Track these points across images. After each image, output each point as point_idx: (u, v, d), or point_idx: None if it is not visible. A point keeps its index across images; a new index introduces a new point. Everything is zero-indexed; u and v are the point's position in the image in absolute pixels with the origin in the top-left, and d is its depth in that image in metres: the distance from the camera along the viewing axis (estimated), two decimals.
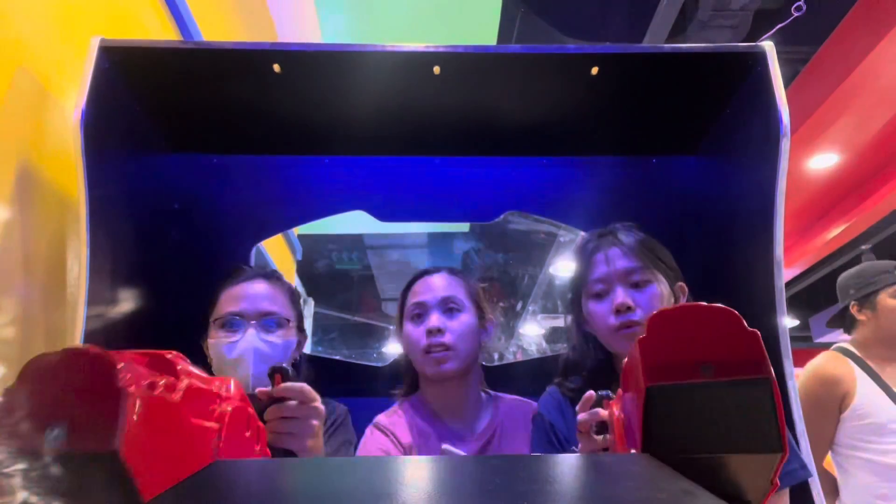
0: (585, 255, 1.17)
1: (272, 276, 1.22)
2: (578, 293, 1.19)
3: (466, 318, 1.23)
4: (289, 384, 0.93)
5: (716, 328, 0.56)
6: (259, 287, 1.17)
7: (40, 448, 0.47)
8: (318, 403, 0.95)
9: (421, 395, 1.32)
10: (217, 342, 1.13)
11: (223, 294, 1.17)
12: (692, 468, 0.53)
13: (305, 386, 0.95)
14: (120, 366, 0.49)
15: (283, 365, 0.95)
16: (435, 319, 1.20)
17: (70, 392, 0.49)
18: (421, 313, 1.23)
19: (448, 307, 1.23)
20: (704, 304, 0.57)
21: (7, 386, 0.50)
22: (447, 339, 1.20)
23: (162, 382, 0.54)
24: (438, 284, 1.25)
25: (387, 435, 1.23)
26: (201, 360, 1.23)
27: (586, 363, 1.17)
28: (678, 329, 0.57)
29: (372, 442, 1.23)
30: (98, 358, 0.49)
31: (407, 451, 1.21)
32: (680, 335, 0.57)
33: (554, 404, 1.18)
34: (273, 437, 0.92)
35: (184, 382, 0.57)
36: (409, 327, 1.25)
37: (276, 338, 1.14)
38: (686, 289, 1.18)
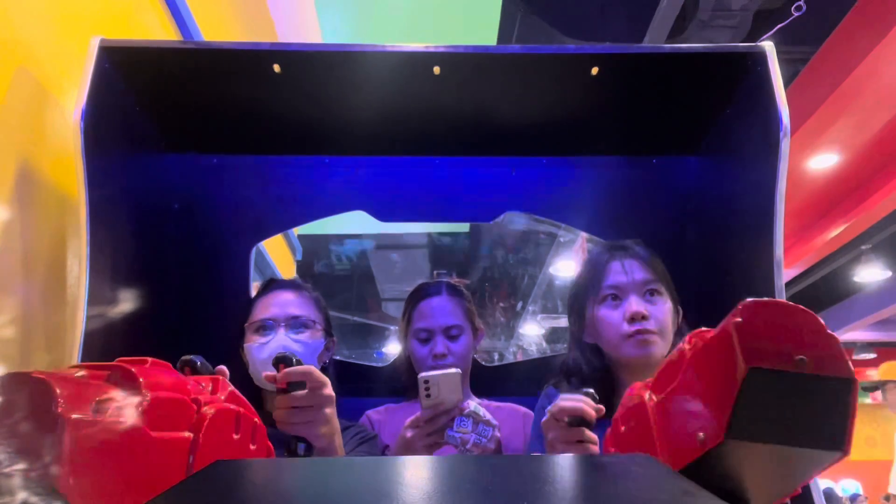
0: (599, 264, 1.18)
1: (299, 285, 1.33)
2: (583, 302, 1.19)
3: (465, 340, 1.39)
4: (292, 368, 0.93)
5: (804, 325, 0.58)
6: (287, 295, 1.27)
7: None
8: (328, 389, 0.95)
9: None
10: (251, 345, 1.23)
11: (257, 304, 1.28)
12: (754, 455, 0.54)
13: (311, 368, 0.94)
14: (58, 391, 0.46)
15: (287, 353, 0.95)
16: (440, 345, 1.36)
17: (13, 419, 0.46)
18: (427, 338, 1.38)
19: (451, 334, 1.38)
20: (789, 302, 0.59)
21: None
22: (450, 360, 1.35)
23: (115, 403, 0.51)
24: (441, 311, 1.39)
25: (372, 427, 1.37)
26: (211, 361, 1.23)
27: (586, 370, 1.17)
28: (774, 318, 0.58)
29: None
30: (36, 382, 0.47)
31: (382, 451, 1.30)
32: (776, 324, 0.58)
33: (553, 400, 1.18)
34: (285, 427, 0.92)
35: (144, 398, 0.53)
36: (415, 345, 1.39)
37: (304, 338, 1.23)
38: (682, 312, 1.20)
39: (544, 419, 0.92)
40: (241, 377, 1.22)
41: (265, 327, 1.23)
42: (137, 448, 0.52)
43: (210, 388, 0.65)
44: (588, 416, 0.88)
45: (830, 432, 0.55)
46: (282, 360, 0.94)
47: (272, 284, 1.32)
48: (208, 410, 0.60)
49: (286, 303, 1.26)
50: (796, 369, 0.56)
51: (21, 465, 0.45)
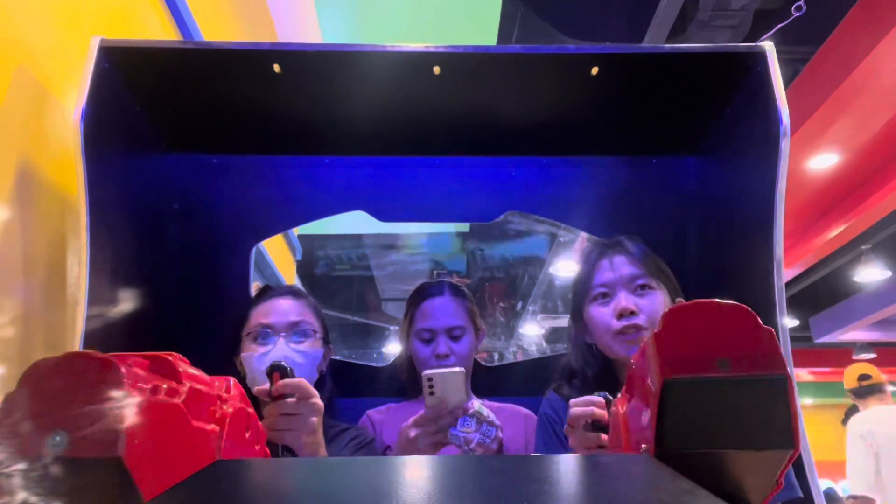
0: (590, 262, 1.19)
1: (298, 292, 1.31)
2: (580, 302, 1.19)
3: (468, 340, 1.40)
4: (286, 381, 0.94)
5: (731, 324, 0.57)
6: (286, 302, 1.25)
7: (42, 453, 0.47)
8: (317, 400, 0.96)
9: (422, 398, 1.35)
10: (250, 354, 1.19)
11: (253, 311, 1.24)
12: (703, 463, 0.53)
13: (303, 381, 0.95)
14: (124, 370, 0.49)
15: (282, 363, 0.96)
16: (443, 346, 1.36)
17: (72, 396, 0.48)
18: (430, 338, 1.38)
19: (453, 335, 1.38)
20: (719, 300, 0.58)
21: (9, 391, 0.50)
22: (452, 361, 1.35)
23: (164, 386, 0.54)
24: (444, 311, 1.39)
25: (373, 427, 1.38)
26: (207, 364, 1.24)
27: (587, 372, 1.17)
28: (694, 324, 0.57)
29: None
30: (101, 362, 0.49)
31: (383, 451, 1.32)
32: (695, 330, 0.57)
33: (556, 407, 1.19)
34: (272, 435, 0.93)
35: (186, 386, 0.56)
36: (417, 345, 1.39)
37: (304, 347, 1.20)
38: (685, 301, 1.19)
39: (566, 428, 0.92)
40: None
41: (264, 335, 1.20)
42: (185, 432, 0.55)
43: (225, 388, 0.66)
44: (601, 419, 0.88)
45: (768, 431, 0.54)
46: (276, 370, 0.95)
47: (270, 291, 1.29)
48: (229, 408, 0.63)
49: (285, 310, 1.23)
50: (717, 373, 0.55)
51: (84, 441, 0.47)
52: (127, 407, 0.48)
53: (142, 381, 0.52)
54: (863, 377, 3.50)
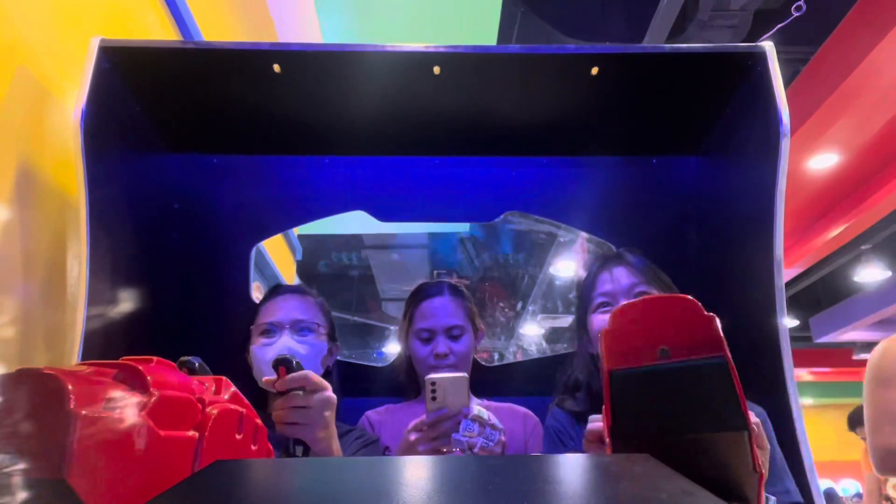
0: (591, 274, 1.20)
1: (304, 290, 1.35)
2: (583, 313, 1.20)
3: (467, 340, 1.39)
4: (292, 374, 0.93)
5: (675, 316, 0.58)
6: (292, 300, 1.29)
7: None
8: (329, 392, 0.95)
9: (420, 399, 1.36)
10: (256, 348, 1.24)
11: (262, 309, 1.29)
12: (663, 453, 0.53)
13: (310, 373, 0.95)
14: (70, 387, 0.47)
15: (288, 356, 0.96)
16: (442, 345, 1.36)
17: (19, 415, 0.47)
18: (429, 338, 1.38)
19: (452, 334, 1.38)
20: (664, 294, 0.60)
21: None
22: (451, 360, 1.35)
23: (123, 400, 0.52)
24: (443, 311, 1.39)
25: (372, 427, 1.38)
26: (207, 363, 1.24)
27: (592, 384, 1.18)
28: (640, 319, 0.60)
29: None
30: (46, 378, 0.47)
31: (382, 451, 1.31)
32: (641, 324, 0.59)
33: (561, 419, 1.19)
34: (282, 428, 0.92)
35: (154, 396, 0.54)
36: (416, 345, 1.39)
37: (308, 340, 1.24)
38: None
39: (583, 443, 0.92)
40: (246, 379, 1.23)
41: (270, 331, 1.25)
42: (147, 446, 0.52)
43: (213, 389, 0.65)
44: None
45: (716, 414, 0.54)
46: (282, 363, 0.94)
47: (278, 290, 1.33)
48: (212, 410, 0.60)
49: (291, 307, 1.27)
50: (656, 361, 0.57)
51: (28, 462, 0.45)
52: (73, 427, 0.45)
53: (95, 397, 0.49)
54: None
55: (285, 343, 1.22)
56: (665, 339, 0.57)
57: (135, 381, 0.55)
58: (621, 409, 0.57)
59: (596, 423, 0.88)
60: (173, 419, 0.56)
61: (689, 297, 0.59)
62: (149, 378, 0.55)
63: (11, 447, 0.46)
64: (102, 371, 0.55)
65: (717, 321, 0.57)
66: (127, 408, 0.52)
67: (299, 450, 0.94)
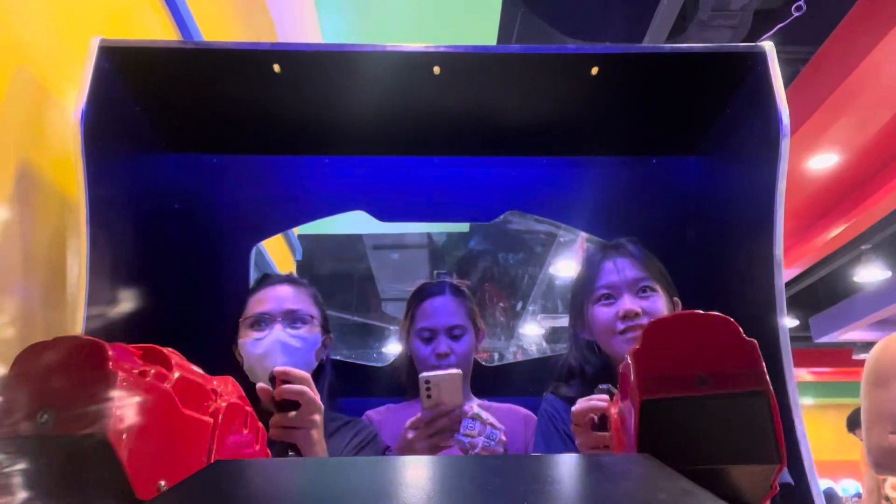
0: (594, 263, 1.20)
1: (295, 280, 1.30)
2: (581, 301, 1.20)
3: (468, 339, 1.40)
4: (287, 386, 0.93)
5: (713, 337, 0.55)
6: (283, 290, 1.24)
7: (30, 432, 0.48)
8: (320, 414, 0.96)
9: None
10: (246, 340, 1.19)
11: (251, 299, 1.24)
12: (690, 478, 0.53)
13: (305, 389, 0.95)
14: (111, 352, 0.50)
15: (287, 369, 0.96)
16: (443, 345, 1.36)
17: (60, 377, 0.49)
18: (430, 337, 1.38)
19: (453, 334, 1.38)
20: (701, 312, 0.56)
21: (2, 375, 0.51)
22: (452, 360, 1.35)
23: (153, 371, 0.55)
24: (444, 311, 1.40)
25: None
26: (207, 363, 1.24)
27: (587, 370, 1.18)
28: (674, 338, 0.56)
29: None
30: (89, 345, 0.50)
31: (382, 451, 1.30)
32: (676, 345, 0.56)
33: (556, 405, 1.19)
34: (278, 433, 0.93)
35: (175, 374, 0.57)
36: (417, 344, 1.39)
37: (301, 332, 1.19)
38: (679, 303, 1.20)
39: (573, 426, 0.92)
40: (237, 374, 1.23)
41: (261, 322, 1.20)
42: (171, 418, 0.55)
43: (221, 387, 0.67)
44: (606, 415, 0.87)
45: (753, 447, 0.53)
46: (280, 375, 0.95)
47: (267, 279, 1.29)
48: (223, 403, 0.63)
49: (282, 297, 1.22)
50: (697, 392, 0.54)
51: (71, 418, 0.48)
52: (112, 387, 0.48)
53: (131, 365, 0.52)
54: None
55: (277, 336, 1.16)
56: (702, 364, 0.54)
57: (157, 361, 0.58)
58: (653, 437, 0.55)
59: (585, 402, 0.88)
60: (192, 401, 0.59)
61: (729, 318, 0.56)
62: (172, 361, 0.58)
63: (54, 404, 0.49)
64: (128, 348, 0.58)
65: (758, 348, 0.54)
66: (156, 378, 0.54)
67: (292, 452, 0.95)
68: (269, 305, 1.21)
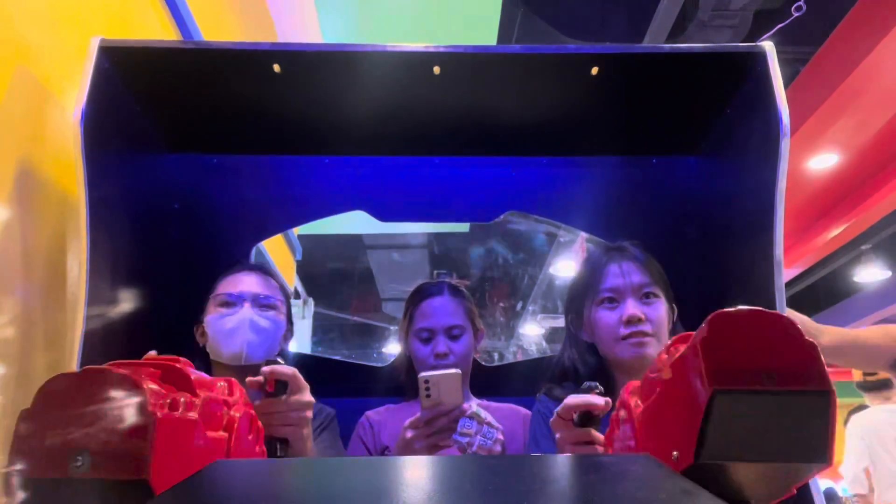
0: (598, 266, 1.19)
1: (266, 269, 1.34)
2: (581, 302, 1.20)
3: (467, 339, 1.39)
4: (278, 367, 0.94)
5: (776, 336, 0.56)
6: (254, 277, 1.28)
7: (62, 475, 0.46)
8: (308, 394, 0.98)
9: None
10: (213, 317, 1.22)
11: (223, 280, 1.27)
12: (736, 471, 0.53)
13: (295, 371, 0.96)
14: (147, 387, 0.49)
15: (276, 358, 0.97)
16: (442, 345, 1.36)
17: (94, 416, 0.47)
18: (429, 337, 1.38)
19: (452, 334, 1.38)
20: (765, 309, 0.57)
21: (24, 409, 0.49)
22: (451, 360, 1.35)
23: (182, 400, 0.54)
24: (443, 311, 1.39)
25: (371, 427, 1.38)
26: (207, 363, 1.25)
27: (580, 371, 1.18)
28: (739, 333, 0.57)
29: (355, 435, 1.39)
30: (122, 380, 0.49)
31: (381, 451, 1.32)
32: (741, 339, 0.56)
33: (549, 406, 1.19)
34: (272, 429, 0.93)
35: (201, 397, 0.57)
36: (416, 344, 1.38)
37: (270, 316, 1.23)
38: (675, 309, 1.20)
39: (552, 419, 0.92)
40: (194, 351, 1.26)
41: (230, 303, 1.23)
42: (200, 444, 0.56)
43: (227, 391, 0.67)
44: (596, 409, 0.86)
45: (807, 445, 0.54)
46: (270, 363, 0.96)
47: (240, 265, 1.32)
48: (235, 413, 0.64)
49: (253, 282, 1.26)
50: (764, 387, 0.54)
51: (109, 462, 0.47)
52: (152, 429, 0.47)
53: (161, 398, 0.51)
54: (869, 373, 3.50)
55: (247, 315, 1.20)
56: (768, 361, 0.55)
57: (179, 382, 0.58)
58: (719, 428, 0.55)
59: (574, 398, 0.88)
60: (211, 420, 0.59)
61: (792, 319, 0.57)
62: (192, 378, 0.59)
63: (88, 446, 0.47)
64: (148, 370, 0.57)
65: (819, 349, 0.55)
66: (186, 410, 0.54)
67: (281, 446, 0.96)
68: (240, 287, 1.24)
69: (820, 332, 1.37)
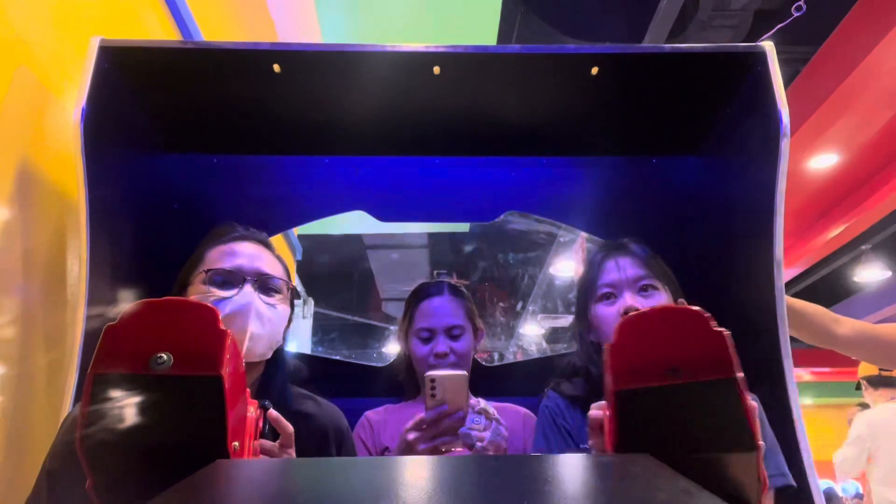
0: (596, 263, 1.20)
1: (266, 240, 1.10)
2: (585, 301, 1.20)
3: (467, 339, 1.39)
4: (284, 421, 0.87)
5: (684, 330, 0.58)
6: (254, 247, 1.04)
7: (146, 371, 0.55)
8: (293, 450, 0.88)
9: (420, 398, 1.35)
10: (206, 297, 0.96)
11: (211, 251, 1.03)
12: (680, 467, 0.53)
13: (291, 429, 0.87)
14: (221, 314, 0.60)
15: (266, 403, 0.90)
16: (442, 345, 1.35)
17: (177, 328, 0.58)
18: (429, 337, 1.38)
19: (452, 334, 1.38)
20: (672, 305, 0.59)
21: (109, 324, 0.57)
22: (451, 360, 1.35)
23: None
24: (443, 311, 1.39)
25: (371, 428, 1.38)
26: None
27: (591, 370, 1.18)
28: (647, 332, 0.59)
29: (355, 435, 1.36)
30: (199, 305, 0.61)
31: (381, 451, 1.32)
32: (648, 338, 0.58)
33: (557, 401, 1.19)
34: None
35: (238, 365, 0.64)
36: (416, 344, 1.38)
37: (275, 302, 1.01)
38: (686, 304, 1.20)
39: (591, 437, 0.92)
40: None
41: (228, 282, 0.98)
42: (240, 370, 0.63)
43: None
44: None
45: (727, 433, 0.55)
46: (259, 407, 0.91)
47: (234, 231, 1.07)
48: (253, 410, 0.68)
49: (254, 256, 1.02)
50: (668, 381, 0.56)
51: (189, 362, 0.57)
52: (224, 342, 0.58)
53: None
54: (885, 368, 3.50)
55: (252, 299, 0.96)
56: (673, 356, 0.56)
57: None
58: (628, 428, 0.57)
59: (597, 410, 0.88)
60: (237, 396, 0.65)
61: (700, 310, 0.58)
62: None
63: (171, 349, 0.56)
64: None
65: (729, 337, 0.56)
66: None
67: (267, 404, 0.94)
68: (238, 262, 1.00)
69: (837, 322, 1.38)
